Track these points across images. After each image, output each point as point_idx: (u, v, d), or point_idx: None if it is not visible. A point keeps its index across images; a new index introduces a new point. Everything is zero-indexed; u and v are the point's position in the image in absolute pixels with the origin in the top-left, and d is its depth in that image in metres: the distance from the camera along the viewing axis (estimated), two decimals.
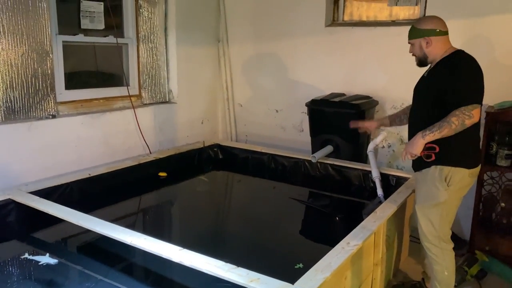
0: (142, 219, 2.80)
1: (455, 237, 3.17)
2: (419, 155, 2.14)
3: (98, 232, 1.92)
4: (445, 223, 2.24)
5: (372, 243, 2.15)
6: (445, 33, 2.19)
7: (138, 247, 1.79)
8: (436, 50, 2.19)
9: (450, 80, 2.07)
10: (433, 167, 2.16)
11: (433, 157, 2.14)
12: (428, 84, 2.24)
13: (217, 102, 4.32)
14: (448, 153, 2.13)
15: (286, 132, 4.01)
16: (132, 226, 2.59)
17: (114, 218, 2.61)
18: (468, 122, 2.01)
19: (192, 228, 2.72)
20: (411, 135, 2.26)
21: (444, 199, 2.16)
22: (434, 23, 2.19)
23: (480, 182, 2.87)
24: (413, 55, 2.31)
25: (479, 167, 2.26)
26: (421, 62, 2.28)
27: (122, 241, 1.83)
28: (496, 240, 2.89)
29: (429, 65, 2.28)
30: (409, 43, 2.29)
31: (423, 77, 2.33)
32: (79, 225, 1.98)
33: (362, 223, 2.08)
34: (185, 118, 3.93)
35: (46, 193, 2.45)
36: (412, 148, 2.13)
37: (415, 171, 2.33)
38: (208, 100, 4.20)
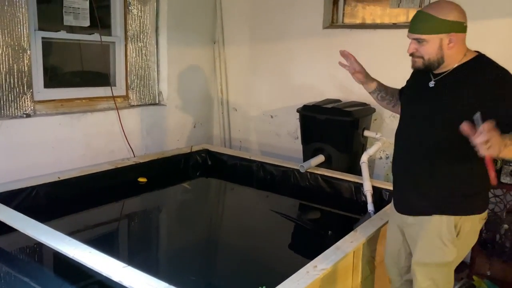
0: (112, 228, 2.63)
1: None
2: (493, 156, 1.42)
3: (43, 242, 1.75)
4: (451, 281, 1.79)
5: (350, 265, 1.93)
6: (467, 28, 1.62)
7: (80, 262, 1.62)
8: (457, 53, 1.60)
9: (499, 99, 1.51)
10: (435, 216, 1.67)
11: (493, 175, 1.44)
12: (445, 99, 1.62)
13: (212, 105, 4.15)
14: (460, 197, 1.65)
15: (281, 139, 3.82)
16: (100, 235, 2.44)
17: (81, 226, 2.47)
18: None
19: (165, 239, 2.56)
20: (411, 176, 1.75)
21: (453, 257, 1.69)
22: (460, 13, 1.57)
23: None
24: (412, 55, 1.66)
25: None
26: (427, 67, 1.65)
27: (65, 254, 1.66)
28: (499, 265, 2.63)
29: (422, 70, 1.69)
30: (419, 39, 1.60)
31: (423, 86, 1.72)
32: (24, 232, 1.82)
33: (338, 243, 1.86)
34: (176, 121, 3.77)
35: (7, 197, 2.30)
36: (496, 146, 1.34)
37: (399, 211, 1.84)
38: (202, 103, 4.04)
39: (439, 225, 1.67)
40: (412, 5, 3.12)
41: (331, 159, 3.05)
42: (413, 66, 1.70)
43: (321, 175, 2.96)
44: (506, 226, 2.59)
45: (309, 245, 2.38)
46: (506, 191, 2.60)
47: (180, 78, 3.77)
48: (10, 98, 2.71)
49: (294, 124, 3.66)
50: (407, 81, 1.93)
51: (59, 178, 2.58)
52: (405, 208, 1.82)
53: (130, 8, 3.34)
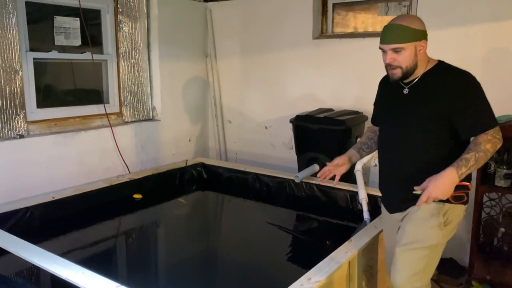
0: (108, 246, 2.61)
1: (454, 264, 2.91)
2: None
3: (36, 264, 1.74)
4: (430, 272, 1.84)
5: (345, 276, 1.92)
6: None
7: (73, 283, 1.61)
8: (424, 59, 1.77)
9: (466, 99, 1.68)
10: (424, 205, 1.71)
11: (465, 199, 1.77)
12: (420, 104, 1.76)
13: (206, 118, 4.16)
14: None
15: (276, 150, 3.82)
16: (95, 254, 2.42)
17: (77, 245, 2.46)
18: (498, 147, 1.68)
19: (162, 255, 2.54)
20: (398, 179, 1.84)
21: (437, 241, 1.76)
22: (422, 23, 1.75)
23: (478, 205, 2.61)
24: (389, 65, 1.75)
25: None
26: (405, 75, 1.76)
27: (58, 275, 1.66)
28: (498, 269, 2.60)
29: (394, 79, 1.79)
30: (397, 48, 1.71)
31: (398, 94, 1.83)
32: (17, 255, 1.81)
33: (332, 254, 1.86)
34: (170, 136, 3.77)
35: (1, 219, 2.29)
36: (441, 191, 1.60)
37: (391, 212, 1.93)
38: (196, 116, 4.05)
39: (427, 210, 1.76)
40: (399, 12, 3.15)
41: None
42: (392, 79, 1.79)
43: (317, 185, 2.96)
44: (502, 229, 2.57)
45: (307, 256, 2.37)
46: (502, 194, 2.59)
47: (174, 93, 3.78)
48: (3, 119, 2.71)
49: (288, 134, 3.66)
50: (377, 97, 2.07)
51: (53, 198, 2.57)
52: (395, 208, 1.91)
53: (121, 25, 3.36)
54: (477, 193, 2.57)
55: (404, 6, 3.13)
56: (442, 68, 1.77)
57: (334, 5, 3.48)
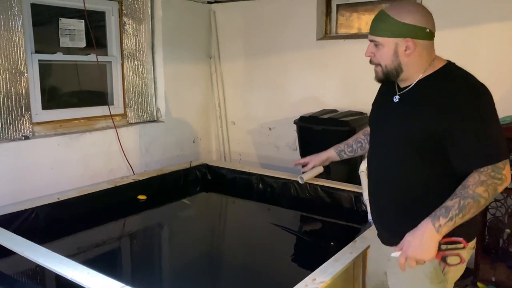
0: (113, 247, 2.62)
1: None
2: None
3: (41, 264, 1.75)
4: None
5: (350, 277, 1.92)
6: (434, 35, 1.41)
7: (78, 283, 1.62)
8: (419, 62, 1.39)
9: (465, 119, 1.29)
10: None
11: (462, 261, 1.38)
12: (409, 120, 1.40)
13: (210, 120, 4.17)
14: None
15: (280, 151, 3.82)
16: (100, 255, 2.43)
17: (82, 246, 2.46)
18: (500, 189, 1.30)
19: (166, 256, 2.54)
20: (382, 204, 1.53)
21: None
22: (422, 16, 1.36)
23: None
24: (371, 62, 1.48)
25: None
26: (387, 76, 1.44)
27: (63, 275, 1.66)
28: (503, 270, 2.60)
29: (390, 81, 1.50)
30: (372, 40, 1.43)
31: (389, 102, 1.50)
32: (23, 255, 1.82)
33: (336, 254, 1.85)
34: (174, 137, 3.78)
35: (6, 220, 2.30)
36: (419, 251, 1.29)
37: (384, 243, 1.59)
38: (200, 118, 4.06)
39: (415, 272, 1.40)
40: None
41: (330, 169, 3.05)
42: (375, 78, 1.52)
43: (321, 186, 2.95)
44: (508, 231, 2.56)
45: (311, 257, 2.36)
46: (507, 195, 2.58)
47: (178, 94, 3.79)
48: (8, 121, 2.73)
49: (292, 135, 3.66)
50: (376, 95, 1.71)
51: (58, 199, 2.58)
52: (383, 238, 1.61)
53: (125, 27, 3.38)
54: None
55: None
56: (444, 74, 1.40)
57: (338, 6, 3.49)
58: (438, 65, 1.42)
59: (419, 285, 1.44)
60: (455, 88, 1.34)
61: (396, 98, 1.48)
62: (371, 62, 1.48)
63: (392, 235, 1.51)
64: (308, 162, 2.28)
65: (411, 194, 1.43)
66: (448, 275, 1.45)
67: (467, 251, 1.43)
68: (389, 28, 1.37)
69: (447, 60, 1.45)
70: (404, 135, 1.41)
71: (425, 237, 1.28)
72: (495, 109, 1.34)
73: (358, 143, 1.98)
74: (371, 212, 1.69)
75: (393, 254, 1.36)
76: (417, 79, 1.42)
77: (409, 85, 1.44)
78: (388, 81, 1.48)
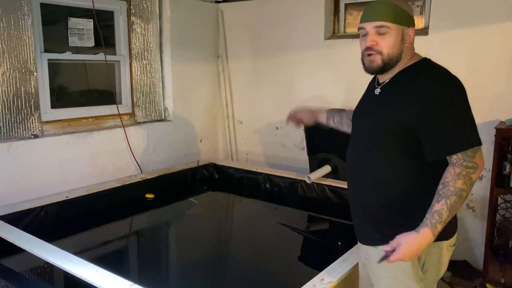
0: (121, 246, 2.63)
1: (468, 267, 2.88)
2: None
3: (50, 261, 1.76)
4: None
5: (358, 277, 1.90)
6: None
7: (86, 281, 1.63)
8: (409, 52, 1.45)
9: (428, 107, 1.34)
10: None
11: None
12: (387, 111, 1.43)
13: (217, 119, 4.18)
14: (419, 222, 1.35)
15: (287, 151, 3.82)
16: (108, 253, 2.45)
17: (90, 244, 2.48)
18: (475, 177, 1.33)
19: (174, 255, 2.55)
20: (360, 199, 1.54)
21: None
22: (411, 10, 1.47)
23: (493, 207, 2.58)
24: (369, 47, 1.43)
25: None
26: (386, 65, 1.43)
27: (72, 273, 1.67)
28: None
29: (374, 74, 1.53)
30: (383, 26, 1.39)
31: (371, 95, 1.54)
32: (32, 253, 1.83)
33: (344, 255, 1.85)
34: (182, 136, 3.79)
35: (16, 218, 2.32)
36: (414, 257, 1.35)
37: (361, 242, 1.61)
38: (207, 117, 4.07)
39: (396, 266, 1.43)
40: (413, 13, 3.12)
41: (337, 169, 3.04)
42: (369, 68, 1.47)
43: (328, 186, 2.95)
44: None
45: (318, 257, 2.37)
46: None
47: (185, 94, 3.80)
48: (18, 119, 2.75)
49: (299, 135, 3.66)
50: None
51: (67, 197, 2.60)
52: (362, 237, 1.61)
53: (133, 27, 3.39)
54: (491, 195, 2.54)
55: (417, 6, 3.11)
56: (421, 67, 1.44)
57: (346, 5, 3.47)
58: (416, 59, 1.48)
59: (400, 284, 1.48)
60: (429, 79, 1.39)
61: (377, 91, 1.51)
62: (368, 50, 1.44)
63: (372, 229, 1.52)
64: (298, 113, 2.14)
65: (391, 187, 1.45)
66: (427, 273, 1.48)
67: (446, 248, 1.47)
68: (399, 15, 1.39)
69: (424, 57, 1.50)
70: (380, 128, 1.45)
71: (423, 245, 1.33)
72: (466, 100, 1.38)
73: (348, 119, 1.89)
74: (350, 206, 1.66)
75: (386, 249, 1.37)
76: (398, 71, 1.46)
77: (391, 78, 1.48)
78: (383, 72, 1.47)
